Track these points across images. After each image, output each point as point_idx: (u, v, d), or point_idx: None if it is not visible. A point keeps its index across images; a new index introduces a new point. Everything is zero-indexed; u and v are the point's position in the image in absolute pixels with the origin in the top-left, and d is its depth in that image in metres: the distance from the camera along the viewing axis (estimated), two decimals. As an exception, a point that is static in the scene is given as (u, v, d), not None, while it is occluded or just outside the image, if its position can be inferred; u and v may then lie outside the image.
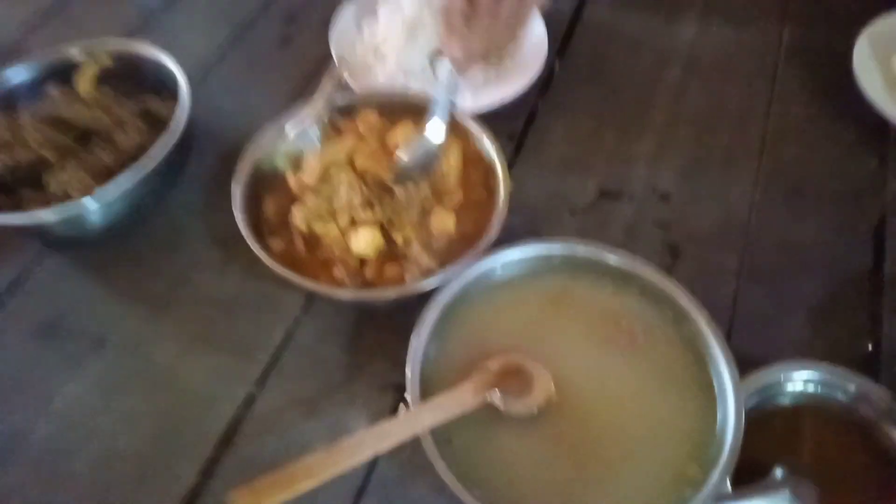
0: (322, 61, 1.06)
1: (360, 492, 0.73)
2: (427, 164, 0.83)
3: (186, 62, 0.95)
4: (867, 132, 0.98)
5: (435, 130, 0.84)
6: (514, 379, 0.69)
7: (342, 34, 1.06)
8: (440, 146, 0.84)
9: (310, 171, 0.84)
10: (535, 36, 1.06)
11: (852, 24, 1.05)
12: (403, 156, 0.83)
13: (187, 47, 1.05)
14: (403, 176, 0.82)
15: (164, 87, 0.97)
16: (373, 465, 0.74)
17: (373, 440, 0.64)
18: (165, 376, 0.80)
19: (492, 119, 0.90)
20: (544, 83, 1.06)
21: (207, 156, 0.99)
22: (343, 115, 0.90)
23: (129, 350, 0.83)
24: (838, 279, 0.85)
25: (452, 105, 0.84)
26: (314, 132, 0.88)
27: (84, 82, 0.96)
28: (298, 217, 0.81)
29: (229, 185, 0.83)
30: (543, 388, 0.69)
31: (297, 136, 0.88)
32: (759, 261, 0.88)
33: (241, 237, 0.87)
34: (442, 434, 0.66)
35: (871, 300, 0.84)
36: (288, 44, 1.14)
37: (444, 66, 0.84)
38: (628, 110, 1.04)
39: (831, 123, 1.00)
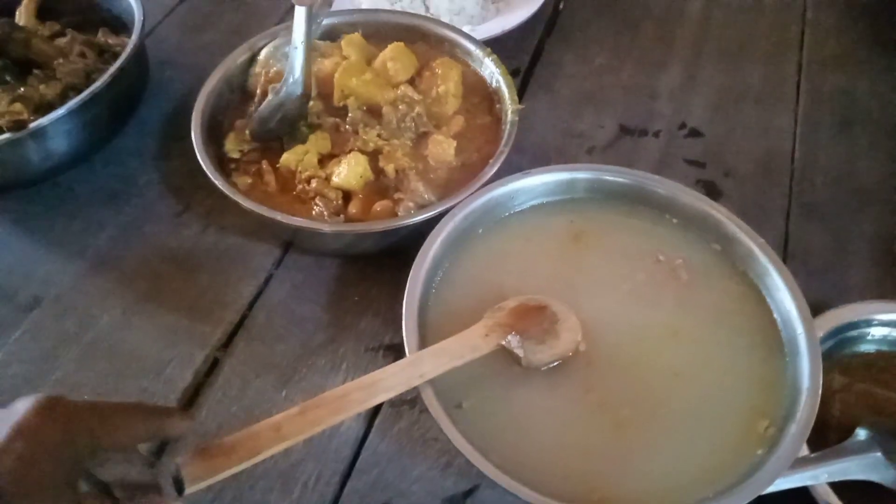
0: None
1: (349, 470, 0.59)
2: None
3: (148, 2, 0.83)
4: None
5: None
6: (534, 321, 0.56)
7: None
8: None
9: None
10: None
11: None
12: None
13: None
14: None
15: (120, 24, 0.86)
16: (363, 438, 0.61)
17: (360, 393, 0.50)
18: (109, 340, 0.67)
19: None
20: (550, 20, 0.95)
21: (162, 102, 0.87)
22: (326, 39, 0.78)
23: (65, 310, 0.69)
24: (904, 215, 0.73)
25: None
26: (295, 52, 0.75)
27: (26, 13, 0.84)
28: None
29: (185, 132, 0.70)
30: (570, 332, 0.56)
31: (274, 56, 0.75)
32: (810, 198, 0.76)
33: (199, 185, 0.75)
34: (450, 396, 0.53)
35: (946, 237, 0.71)
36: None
37: None
38: (647, 44, 0.92)
39: (872, 53, 0.90)
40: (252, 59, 0.78)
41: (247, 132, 0.72)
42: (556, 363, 0.55)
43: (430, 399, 0.51)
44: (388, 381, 0.50)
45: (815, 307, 0.60)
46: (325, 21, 0.78)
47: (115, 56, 0.78)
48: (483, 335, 0.54)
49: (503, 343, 0.54)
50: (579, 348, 0.56)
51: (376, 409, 0.62)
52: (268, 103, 0.71)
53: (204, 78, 0.76)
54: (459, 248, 0.61)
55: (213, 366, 0.65)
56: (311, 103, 0.71)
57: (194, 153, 0.69)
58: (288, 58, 0.71)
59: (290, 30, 0.70)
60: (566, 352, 0.55)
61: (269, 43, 0.78)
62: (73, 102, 0.71)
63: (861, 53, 0.90)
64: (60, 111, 0.71)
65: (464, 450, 0.49)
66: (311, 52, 0.70)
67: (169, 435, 0.46)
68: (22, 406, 0.39)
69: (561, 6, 0.98)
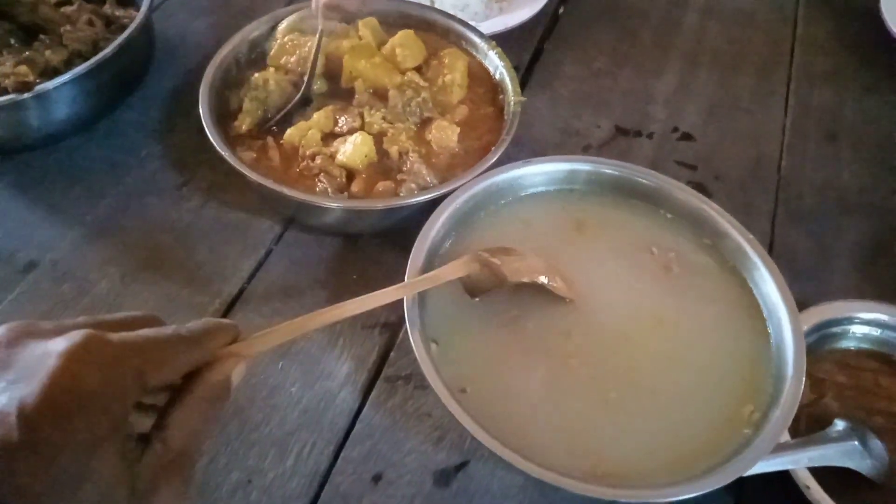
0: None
1: (343, 441, 0.60)
2: None
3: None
4: (897, 79, 0.92)
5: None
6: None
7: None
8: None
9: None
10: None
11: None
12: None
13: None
14: None
15: (130, -1, 0.86)
16: (357, 411, 0.61)
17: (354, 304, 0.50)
18: (106, 305, 0.67)
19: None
20: (551, 22, 0.98)
21: (166, 78, 0.87)
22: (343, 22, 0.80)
23: (63, 274, 0.69)
24: (884, 223, 0.76)
25: None
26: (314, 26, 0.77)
27: (33, -22, 0.83)
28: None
29: (188, 108, 0.71)
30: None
31: (299, 27, 0.77)
32: (795, 204, 0.78)
33: (201, 160, 0.77)
34: (455, 383, 0.55)
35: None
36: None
37: None
38: (645, 50, 0.95)
39: (859, 71, 0.93)
40: (257, 40, 0.79)
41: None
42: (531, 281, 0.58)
43: (436, 383, 0.52)
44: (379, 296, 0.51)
45: (798, 306, 0.62)
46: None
47: (123, 28, 0.79)
48: (464, 261, 0.57)
49: (482, 255, 0.57)
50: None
51: (371, 384, 0.63)
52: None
53: (210, 56, 0.76)
54: (461, 228, 0.63)
55: (209, 335, 0.66)
56: (317, 84, 0.73)
57: (196, 128, 0.70)
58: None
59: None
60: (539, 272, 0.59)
61: (290, 16, 0.79)
62: (79, 69, 0.72)
63: (848, 70, 0.93)
64: (66, 76, 0.71)
65: (473, 431, 0.50)
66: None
67: (217, 357, 0.41)
68: (56, 348, 0.34)
69: (561, 10, 1.01)
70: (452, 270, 0.57)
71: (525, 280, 0.58)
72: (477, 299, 0.59)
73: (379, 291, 0.51)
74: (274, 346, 0.46)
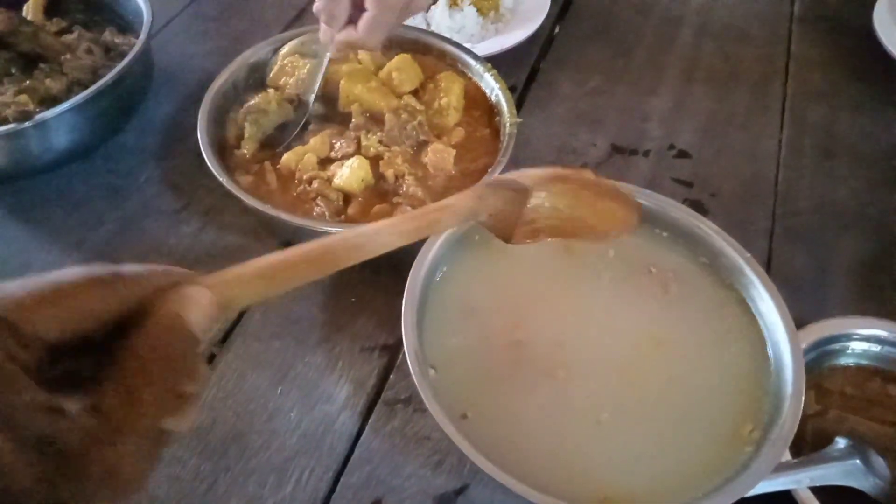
0: (303, 9, 0.96)
1: (342, 466, 0.59)
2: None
3: (155, 4, 0.84)
4: (893, 96, 0.92)
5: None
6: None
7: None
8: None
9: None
10: (537, -8, 0.98)
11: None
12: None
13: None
14: None
15: (127, 24, 0.87)
16: (357, 435, 0.61)
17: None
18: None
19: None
20: (546, 42, 0.98)
21: (165, 103, 0.88)
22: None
23: (61, 301, 0.69)
24: (881, 240, 0.77)
25: None
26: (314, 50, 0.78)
27: (34, 8, 0.85)
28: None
29: (186, 132, 0.72)
30: None
31: (300, 50, 0.79)
32: (792, 221, 0.78)
33: (199, 184, 0.77)
34: (456, 408, 0.54)
35: (922, 261, 0.75)
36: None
37: None
38: (640, 69, 0.96)
39: (854, 87, 0.94)
40: (256, 65, 0.80)
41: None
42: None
43: (435, 410, 0.52)
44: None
45: (797, 323, 0.62)
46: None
47: (122, 55, 0.80)
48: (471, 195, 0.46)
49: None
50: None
51: (370, 407, 0.63)
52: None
53: (208, 81, 0.77)
54: (457, 251, 0.63)
55: (208, 361, 0.66)
56: (315, 105, 0.74)
57: (195, 153, 0.71)
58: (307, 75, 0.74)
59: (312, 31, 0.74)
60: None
61: (293, 40, 0.80)
62: (78, 97, 0.72)
63: (843, 87, 0.94)
64: (66, 105, 0.72)
65: (472, 456, 0.50)
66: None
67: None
68: None
69: (556, 30, 1.01)
70: (461, 209, 0.45)
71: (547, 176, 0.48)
72: (512, 244, 0.48)
73: (383, 224, 0.41)
74: (251, 292, 0.36)
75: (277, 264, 0.37)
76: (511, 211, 0.47)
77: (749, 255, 0.62)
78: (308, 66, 0.76)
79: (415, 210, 0.48)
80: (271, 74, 0.78)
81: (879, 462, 0.56)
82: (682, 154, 0.85)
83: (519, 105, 0.90)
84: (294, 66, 0.76)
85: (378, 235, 0.41)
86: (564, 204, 0.50)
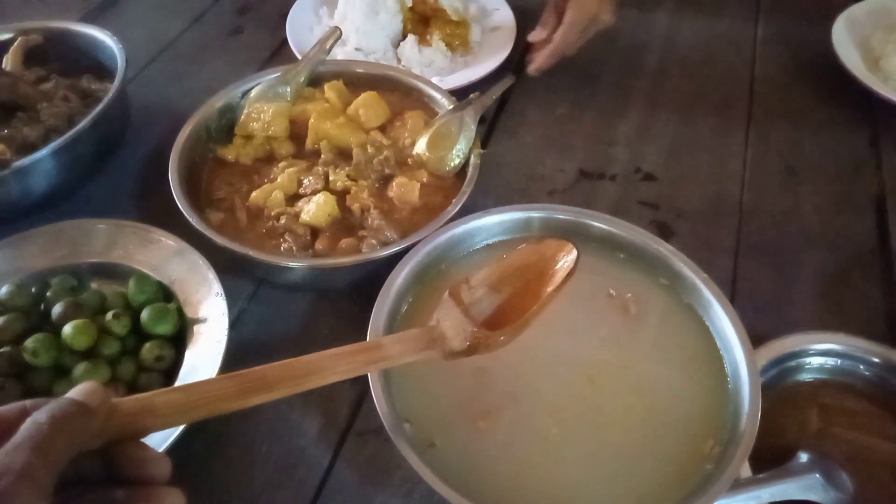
0: (276, 50, 0.99)
1: (314, 498, 0.60)
2: None
3: (133, 49, 0.87)
4: (853, 114, 0.94)
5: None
6: None
7: (299, 18, 1.00)
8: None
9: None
10: (503, 22, 1.01)
11: (822, 17, 1.03)
12: None
13: (136, 36, 1.00)
14: None
15: (105, 70, 0.89)
16: (329, 467, 0.62)
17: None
18: (80, 371, 0.68)
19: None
20: (514, 73, 1.01)
21: (142, 145, 0.90)
22: (311, 85, 0.84)
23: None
24: (844, 255, 0.78)
25: None
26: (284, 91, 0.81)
27: (13, 59, 0.87)
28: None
29: (163, 174, 0.74)
30: None
31: (265, 95, 0.81)
32: (757, 239, 0.80)
33: (175, 223, 0.78)
34: (423, 437, 0.56)
35: (883, 275, 0.76)
36: (239, 33, 1.07)
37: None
38: (606, 94, 0.98)
39: (816, 106, 0.96)
40: (225, 108, 0.82)
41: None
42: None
43: (400, 443, 0.53)
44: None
45: (762, 340, 0.64)
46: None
47: (98, 100, 0.82)
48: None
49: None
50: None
51: (342, 438, 0.64)
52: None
53: (182, 122, 0.80)
54: (422, 282, 0.65)
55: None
56: (284, 144, 0.76)
57: (171, 193, 0.73)
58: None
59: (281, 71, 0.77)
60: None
61: (257, 85, 0.83)
62: (54, 144, 0.74)
63: (805, 106, 0.96)
64: (42, 152, 0.74)
65: (438, 488, 0.51)
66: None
67: None
68: None
69: (526, 60, 1.04)
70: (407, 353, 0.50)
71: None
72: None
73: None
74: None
75: (197, 398, 0.39)
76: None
77: (706, 275, 0.64)
78: (272, 109, 0.78)
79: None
80: (240, 122, 0.80)
81: (841, 476, 0.57)
82: (648, 177, 0.87)
83: (489, 134, 0.92)
84: (259, 112, 0.78)
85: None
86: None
